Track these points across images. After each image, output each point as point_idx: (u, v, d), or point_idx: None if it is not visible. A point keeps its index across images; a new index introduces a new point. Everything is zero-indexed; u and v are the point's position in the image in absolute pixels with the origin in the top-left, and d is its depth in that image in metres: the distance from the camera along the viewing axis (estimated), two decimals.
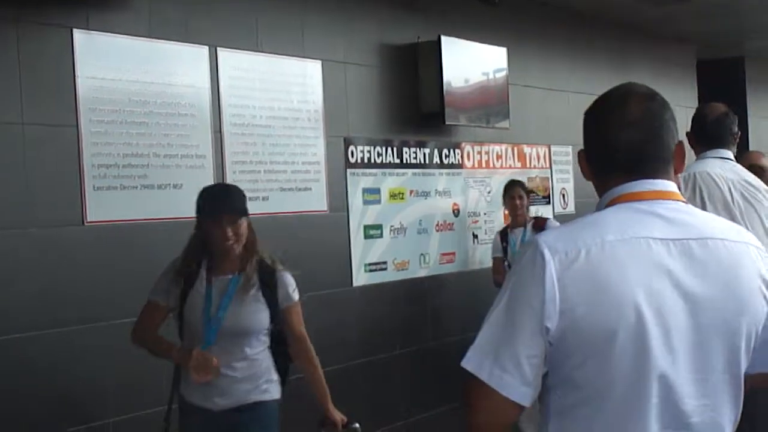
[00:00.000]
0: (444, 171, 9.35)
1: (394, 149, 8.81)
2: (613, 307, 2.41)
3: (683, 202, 2.65)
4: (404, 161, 8.92)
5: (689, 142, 5.80)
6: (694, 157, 5.90)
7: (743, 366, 2.60)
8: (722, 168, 5.61)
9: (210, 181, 7.00)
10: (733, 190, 5.48)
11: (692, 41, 13.98)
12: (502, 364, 2.44)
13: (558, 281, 2.42)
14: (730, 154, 5.81)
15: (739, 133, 5.96)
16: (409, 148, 8.97)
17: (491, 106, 9.56)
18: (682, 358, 2.47)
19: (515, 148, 10.37)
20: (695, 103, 13.61)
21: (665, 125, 2.65)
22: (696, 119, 5.97)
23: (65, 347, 6.20)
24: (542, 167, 10.90)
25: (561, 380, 2.49)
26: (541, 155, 10.82)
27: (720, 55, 15.14)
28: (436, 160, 9.30)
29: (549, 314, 2.42)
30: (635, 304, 2.42)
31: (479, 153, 9.86)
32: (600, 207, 2.65)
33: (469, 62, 9.22)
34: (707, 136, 5.83)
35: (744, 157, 8.40)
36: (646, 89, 2.69)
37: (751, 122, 15.91)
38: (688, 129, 5.93)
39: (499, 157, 10.12)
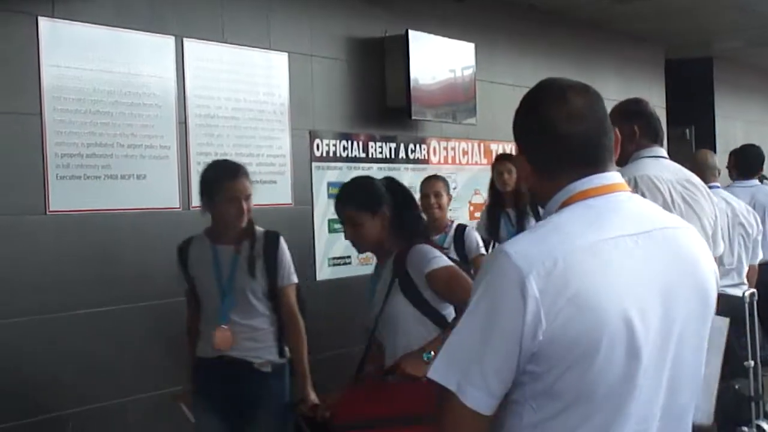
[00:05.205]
0: (410, 166, 9.35)
1: (360, 143, 8.81)
2: (597, 316, 2.35)
3: (629, 192, 2.61)
4: (370, 156, 8.91)
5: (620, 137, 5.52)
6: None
7: (705, 351, 2.62)
8: (659, 168, 5.36)
9: (174, 172, 7.00)
10: (673, 192, 5.23)
11: (661, 40, 14.02)
12: (470, 378, 2.39)
13: (540, 295, 2.32)
14: (664, 151, 5.53)
15: None
16: (375, 143, 8.97)
17: (458, 102, 9.57)
18: (660, 354, 2.46)
19: (482, 145, 10.38)
20: (663, 103, 13.69)
21: (606, 115, 2.62)
22: (636, 114, 5.52)
23: (26, 337, 6.17)
24: None
25: (537, 393, 2.41)
26: (508, 152, 10.81)
27: (689, 54, 15.19)
28: (402, 155, 9.30)
29: (533, 331, 2.34)
30: (621, 311, 2.37)
31: (445, 149, 9.87)
32: (551, 208, 2.58)
33: (437, 57, 9.22)
34: (652, 132, 5.51)
35: (691, 158, 8.40)
36: (577, 81, 2.64)
37: (719, 123, 15.99)
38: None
39: (465, 153, 10.12)
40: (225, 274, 5.58)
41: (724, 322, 4.40)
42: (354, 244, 5.07)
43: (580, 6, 11.42)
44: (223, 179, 5.57)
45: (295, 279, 5.77)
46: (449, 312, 4.87)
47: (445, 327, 4.78)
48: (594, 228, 2.46)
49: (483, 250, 7.73)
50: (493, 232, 8.46)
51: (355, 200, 4.95)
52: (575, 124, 2.55)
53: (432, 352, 4.59)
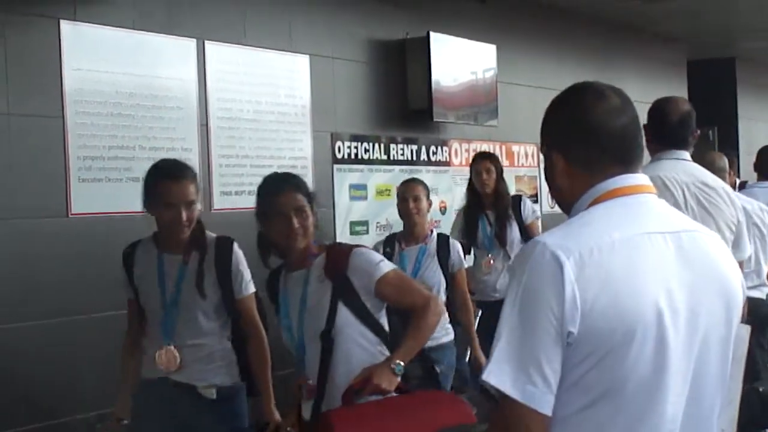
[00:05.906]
0: (431, 168, 9.34)
1: (382, 145, 8.81)
2: (631, 306, 2.37)
3: (656, 194, 2.64)
4: (391, 158, 8.91)
5: (645, 138, 5.40)
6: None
7: (731, 356, 2.60)
8: (675, 170, 5.24)
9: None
10: (687, 193, 5.14)
11: (683, 41, 13.97)
12: (527, 375, 2.34)
13: (577, 282, 2.34)
14: (687, 155, 5.37)
15: (698, 131, 5.47)
16: (397, 145, 8.97)
17: (480, 103, 9.56)
18: (685, 355, 2.46)
19: (503, 146, 10.36)
20: None
21: (638, 116, 2.65)
22: (656, 116, 5.38)
23: (47, 339, 6.18)
24: (530, 165, 10.89)
25: (569, 385, 2.39)
26: (529, 154, 10.81)
27: (711, 55, 15.14)
28: (424, 157, 9.30)
29: (571, 317, 2.34)
30: (654, 302, 2.39)
31: (467, 151, 9.84)
32: (581, 206, 2.58)
33: (458, 59, 9.22)
34: (669, 137, 5.35)
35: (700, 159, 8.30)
36: (609, 85, 2.67)
37: (741, 124, 15.92)
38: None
39: None
40: (170, 287, 4.87)
41: (747, 330, 4.32)
42: (297, 238, 4.34)
43: (602, 6, 11.40)
44: (160, 181, 4.81)
45: (252, 288, 4.96)
46: (385, 321, 4.40)
47: (383, 337, 4.36)
48: (627, 223, 2.49)
49: (465, 264, 7.27)
50: (470, 236, 8.02)
51: (306, 189, 4.49)
52: (616, 119, 2.59)
53: (401, 363, 4.13)
